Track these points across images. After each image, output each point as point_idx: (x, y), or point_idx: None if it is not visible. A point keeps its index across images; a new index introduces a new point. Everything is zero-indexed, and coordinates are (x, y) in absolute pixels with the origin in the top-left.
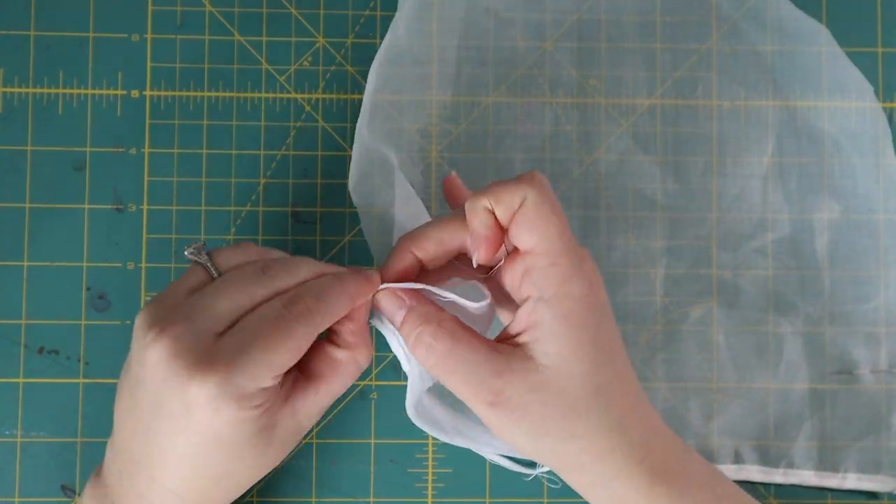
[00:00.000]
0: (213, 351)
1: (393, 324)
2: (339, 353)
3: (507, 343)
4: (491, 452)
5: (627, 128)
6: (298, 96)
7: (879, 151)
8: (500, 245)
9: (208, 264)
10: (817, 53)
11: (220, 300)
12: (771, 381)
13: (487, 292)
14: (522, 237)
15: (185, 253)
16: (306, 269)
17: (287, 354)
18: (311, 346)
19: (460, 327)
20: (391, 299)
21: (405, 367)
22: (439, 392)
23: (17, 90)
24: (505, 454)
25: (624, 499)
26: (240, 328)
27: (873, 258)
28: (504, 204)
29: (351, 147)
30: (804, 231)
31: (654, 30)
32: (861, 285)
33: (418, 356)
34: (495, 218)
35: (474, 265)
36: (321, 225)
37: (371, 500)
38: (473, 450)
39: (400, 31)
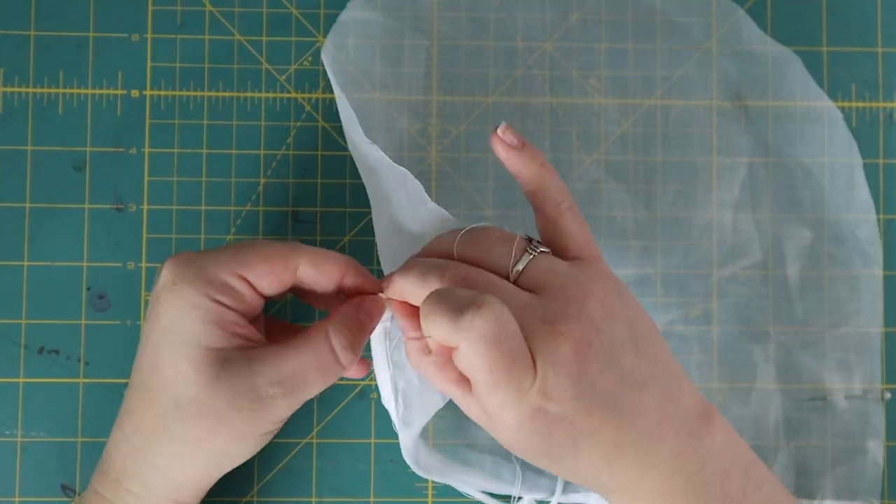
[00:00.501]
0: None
1: (405, 333)
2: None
3: None
4: (473, 489)
5: (598, 156)
6: (298, 96)
7: (851, 179)
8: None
9: None
10: (790, 81)
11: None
12: (745, 410)
13: None
14: (460, 368)
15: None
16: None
17: (256, 256)
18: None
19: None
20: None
21: (394, 418)
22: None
23: (17, 90)
24: (488, 491)
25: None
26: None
27: (845, 285)
28: (440, 338)
29: None
30: (776, 258)
31: (654, 30)
32: (833, 312)
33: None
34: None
35: (408, 362)
36: (321, 225)
37: (371, 500)
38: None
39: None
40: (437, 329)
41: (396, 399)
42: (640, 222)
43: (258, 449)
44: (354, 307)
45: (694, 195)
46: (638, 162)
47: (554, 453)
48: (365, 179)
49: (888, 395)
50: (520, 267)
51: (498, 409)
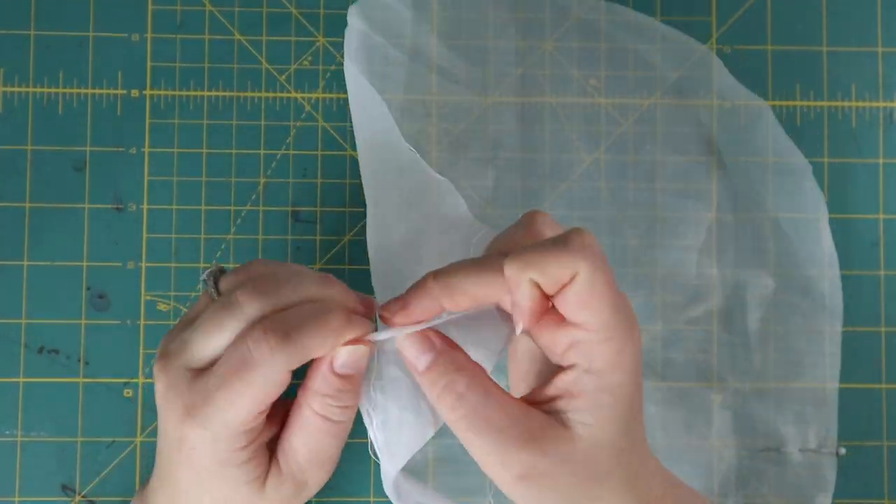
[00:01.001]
0: (190, 394)
1: (415, 368)
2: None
3: (537, 406)
4: None
5: (598, 156)
6: (298, 96)
7: (818, 233)
8: (545, 313)
9: (211, 290)
10: (762, 133)
11: (196, 335)
12: (698, 456)
13: (506, 326)
14: (573, 313)
15: (200, 278)
16: (298, 287)
17: (251, 402)
18: None
19: (492, 383)
20: (419, 341)
21: (377, 444)
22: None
23: (17, 90)
24: None
25: None
26: (214, 369)
27: (804, 338)
28: (551, 277)
29: (351, 147)
30: (737, 306)
31: (654, 29)
32: (791, 364)
33: (443, 407)
34: (541, 290)
35: (517, 333)
36: (321, 225)
37: (371, 500)
38: None
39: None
40: (546, 265)
41: (372, 424)
42: (640, 222)
43: None
44: (318, 362)
45: (656, 238)
46: (638, 162)
47: (628, 429)
48: (374, 185)
49: (843, 451)
50: None
51: (616, 355)
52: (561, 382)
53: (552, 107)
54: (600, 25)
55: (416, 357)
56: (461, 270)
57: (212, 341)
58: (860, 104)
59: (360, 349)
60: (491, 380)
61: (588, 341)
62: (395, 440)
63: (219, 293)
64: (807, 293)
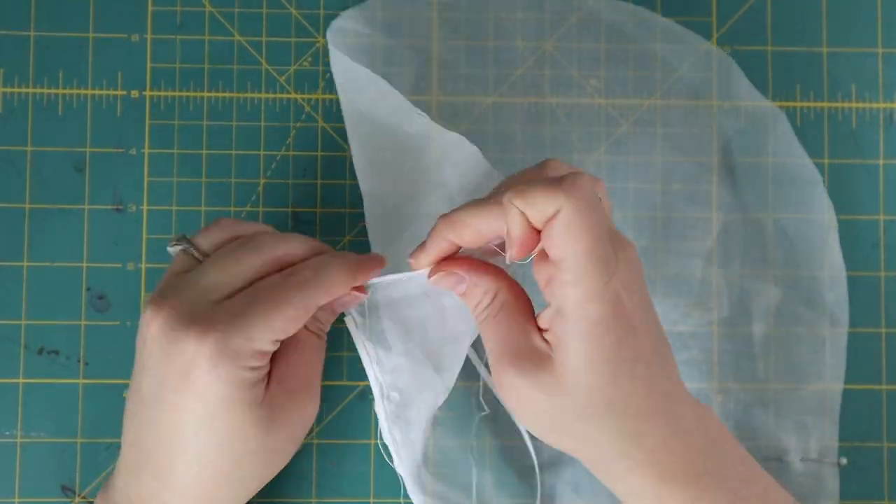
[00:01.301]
0: (210, 314)
1: (457, 292)
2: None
3: (542, 333)
4: None
5: (598, 156)
6: (298, 96)
7: (825, 241)
8: (535, 246)
9: (191, 249)
10: (775, 138)
11: (211, 272)
12: None
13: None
14: (551, 247)
15: (168, 248)
16: (297, 240)
17: (284, 320)
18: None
19: (512, 303)
20: (450, 275)
21: (387, 436)
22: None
23: (17, 90)
24: None
25: (637, 496)
26: (240, 296)
27: (808, 347)
28: (537, 209)
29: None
30: (742, 315)
31: (654, 29)
32: (794, 373)
33: (477, 300)
34: (529, 222)
35: (507, 262)
36: (321, 225)
37: (371, 500)
38: None
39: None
40: (534, 197)
41: (384, 396)
42: (640, 222)
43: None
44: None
45: (657, 240)
46: (638, 163)
47: (616, 379)
48: (367, 152)
49: (844, 461)
50: None
51: (583, 300)
52: (543, 317)
53: (552, 107)
54: (601, 25)
55: (454, 285)
56: (465, 207)
57: (230, 276)
58: (860, 105)
59: (360, 296)
60: (515, 300)
61: (560, 281)
62: (405, 406)
63: (201, 252)
64: (812, 304)
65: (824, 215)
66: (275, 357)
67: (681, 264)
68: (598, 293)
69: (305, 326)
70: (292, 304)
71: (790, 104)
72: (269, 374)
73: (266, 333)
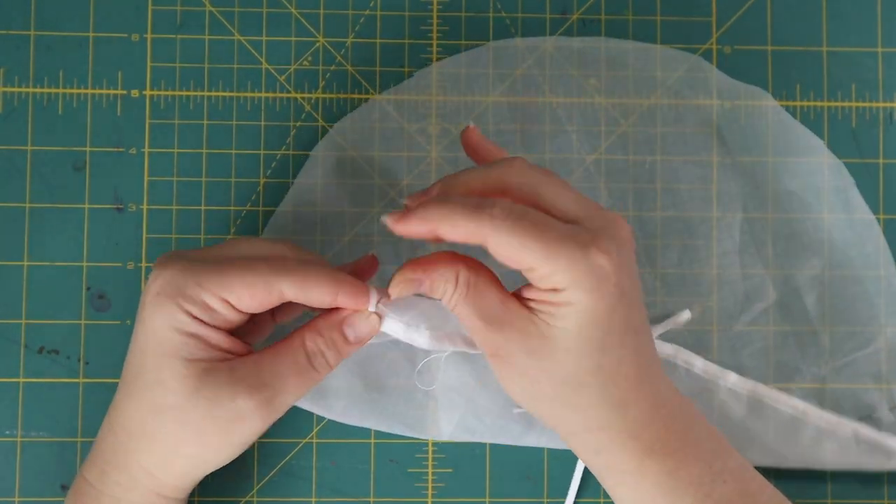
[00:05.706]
0: (188, 258)
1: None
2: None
3: (520, 299)
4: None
5: (598, 156)
6: (298, 96)
7: (847, 202)
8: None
9: None
10: (766, 118)
11: (214, 248)
12: (800, 460)
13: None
14: (507, 263)
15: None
16: (320, 291)
17: (241, 284)
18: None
19: (488, 280)
20: (406, 282)
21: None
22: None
23: (17, 90)
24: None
25: (615, 469)
26: (225, 256)
27: (864, 304)
28: (462, 234)
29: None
30: (791, 293)
31: (654, 30)
32: (858, 334)
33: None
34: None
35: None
36: (321, 225)
37: (371, 500)
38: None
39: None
40: (455, 223)
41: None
42: (641, 222)
43: (234, 457)
44: (336, 313)
45: (695, 250)
46: (637, 163)
47: (606, 346)
48: None
49: None
50: None
51: (558, 291)
52: (530, 289)
53: (552, 107)
54: (601, 25)
55: (416, 290)
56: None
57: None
58: (860, 104)
59: (374, 322)
60: (488, 278)
61: (533, 277)
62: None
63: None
64: (852, 261)
65: (839, 176)
66: (259, 360)
67: (717, 264)
68: (576, 276)
69: (308, 358)
70: (257, 273)
71: (790, 103)
72: (240, 364)
73: (217, 287)
